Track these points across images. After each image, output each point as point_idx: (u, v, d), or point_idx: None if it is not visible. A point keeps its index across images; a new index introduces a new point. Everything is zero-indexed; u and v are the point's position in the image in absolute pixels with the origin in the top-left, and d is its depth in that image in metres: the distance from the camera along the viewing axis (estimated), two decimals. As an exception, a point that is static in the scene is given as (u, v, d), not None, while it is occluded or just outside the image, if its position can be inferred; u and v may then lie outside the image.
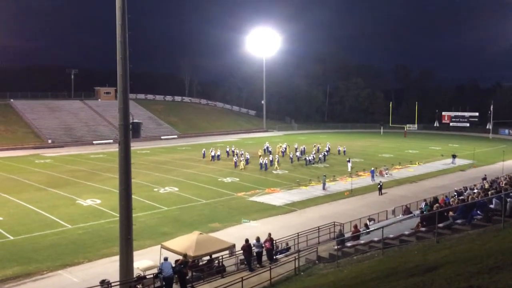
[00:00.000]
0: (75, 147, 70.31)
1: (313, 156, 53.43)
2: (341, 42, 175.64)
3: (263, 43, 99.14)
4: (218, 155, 55.67)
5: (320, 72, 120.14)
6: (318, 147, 60.71)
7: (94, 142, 75.16)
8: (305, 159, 52.33)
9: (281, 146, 60.91)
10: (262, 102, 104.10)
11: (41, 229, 27.09)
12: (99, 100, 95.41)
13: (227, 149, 58.15)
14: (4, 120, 76.32)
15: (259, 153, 55.25)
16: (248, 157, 52.05)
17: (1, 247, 24.02)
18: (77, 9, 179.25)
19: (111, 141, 72.74)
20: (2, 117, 76.89)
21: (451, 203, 19.07)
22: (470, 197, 17.57)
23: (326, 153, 57.05)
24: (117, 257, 18.07)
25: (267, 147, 60.93)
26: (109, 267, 20.52)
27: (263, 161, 48.57)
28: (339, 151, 60.54)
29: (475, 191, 23.65)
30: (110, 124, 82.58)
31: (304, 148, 59.38)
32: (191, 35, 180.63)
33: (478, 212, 14.42)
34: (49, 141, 72.60)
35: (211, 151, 56.19)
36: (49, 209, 31.65)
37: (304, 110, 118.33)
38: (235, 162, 49.76)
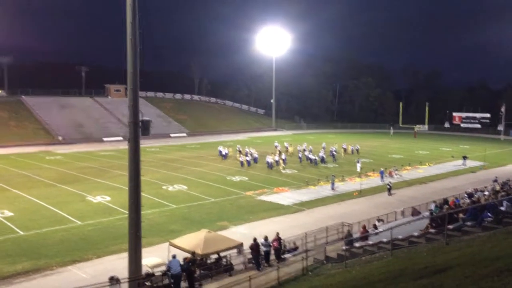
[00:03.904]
0: (85, 144, 70.80)
1: (322, 156, 53.23)
2: (351, 41, 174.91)
3: (273, 42, 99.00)
4: (226, 153, 55.92)
5: (330, 71, 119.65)
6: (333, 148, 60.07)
7: (104, 139, 75.61)
8: (315, 158, 52.16)
9: (291, 145, 61.16)
10: (272, 101, 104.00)
11: (51, 225, 27.34)
12: (109, 97, 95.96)
13: (238, 148, 57.80)
14: (16, 116, 77.11)
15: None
16: (257, 155, 52.06)
17: (11, 242, 24.29)
18: (88, 7, 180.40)
19: (121, 138, 73.08)
20: (14, 114, 77.68)
21: (461, 205, 18.95)
22: (481, 199, 17.44)
23: (334, 152, 56.80)
24: (125, 254, 18.18)
25: (276, 146, 61.28)
26: (118, 264, 20.65)
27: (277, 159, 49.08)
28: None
29: (486, 193, 23.45)
30: (120, 122, 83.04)
31: (311, 148, 59.07)
32: (201, 33, 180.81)
33: (489, 214, 14.32)
34: (60, 137, 73.21)
35: (220, 149, 56.46)
36: (59, 205, 31.92)
37: (314, 110, 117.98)
38: (241, 162, 49.52)
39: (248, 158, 50.62)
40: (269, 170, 47.39)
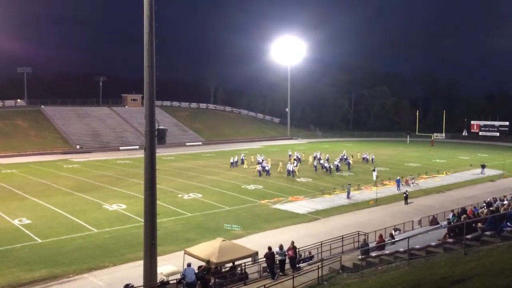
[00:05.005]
0: (102, 153, 71.71)
1: (337, 165, 52.96)
2: (367, 49, 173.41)
3: (288, 51, 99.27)
4: (236, 161, 56.34)
5: (345, 80, 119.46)
6: (347, 155, 59.95)
7: (120, 148, 76.48)
8: (329, 167, 51.89)
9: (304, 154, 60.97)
10: (287, 109, 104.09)
11: (68, 233, 27.66)
12: (126, 107, 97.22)
13: (258, 158, 57.41)
14: (36, 125, 78.60)
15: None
16: (269, 166, 51.83)
17: (29, 250, 24.63)
18: (106, 18, 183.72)
19: (137, 147, 73.90)
20: (34, 123, 79.20)
21: (479, 214, 18.61)
22: (500, 208, 17.12)
23: (350, 161, 56.37)
24: (141, 262, 18.29)
25: (290, 155, 61.22)
26: (134, 272, 20.76)
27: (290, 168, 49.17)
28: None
29: (505, 202, 22.99)
30: (136, 131, 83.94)
31: (328, 157, 58.79)
32: (217, 43, 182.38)
33: (508, 223, 14.05)
34: (77, 146, 74.29)
35: (232, 159, 56.74)
36: (76, 213, 32.31)
37: (329, 118, 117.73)
38: (259, 171, 49.47)
39: (267, 168, 50.32)
40: (284, 178, 47.28)
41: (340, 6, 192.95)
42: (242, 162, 56.58)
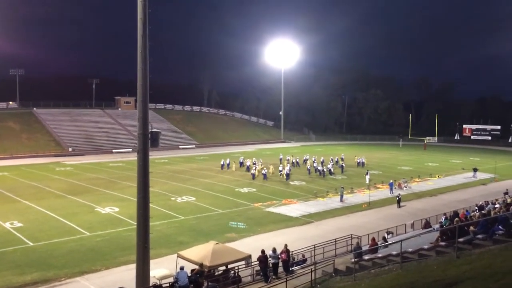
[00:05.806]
0: (95, 156, 71.39)
1: (330, 168, 53.09)
2: (361, 53, 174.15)
3: (282, 54, 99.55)
4: (228, 164, 56.51)
5: (339, 83, 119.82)
6: (338, 159, 60.30)
7: (113, 150, 76.11)
8: (323, 170, 52.00)
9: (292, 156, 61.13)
10: (280, 113, 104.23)
11: (60, 236, 27.47)
12: (119, 109, 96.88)
13: (254, 161, 57.40)
14: (27, 128, 78.04)
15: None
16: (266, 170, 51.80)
17: (21, 253, 24.41)
18: (99, 20, 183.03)
19: (130, 150, 73.65)
20: (26, 126, 78.64)
21: (472, 217, 18.73)
22: (492, 211, 17.24)
23: (343, 164, 56.54)
24: (134, 265, 18.20)
25: (281, 158, 61.22)
26: (126, 275, 20.66)
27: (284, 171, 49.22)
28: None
29: (497, 205, 23.17)
30: (129, 133, 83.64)
31: (322, 160, 58.88)
32: (211, 46, 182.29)
33: (500, 227, 14.15)
34: (70, 149, 73.85)
35: (222, 161, 56.92)
36: (68, 216, 32.08)
37: (323, 122, 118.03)
38: (253, 174, 49.44)
39: (264, 171, 50.08)
40: (277, 182, 47.26)
41: (334, 10, 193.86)
42: (241, 165, 56.73)
